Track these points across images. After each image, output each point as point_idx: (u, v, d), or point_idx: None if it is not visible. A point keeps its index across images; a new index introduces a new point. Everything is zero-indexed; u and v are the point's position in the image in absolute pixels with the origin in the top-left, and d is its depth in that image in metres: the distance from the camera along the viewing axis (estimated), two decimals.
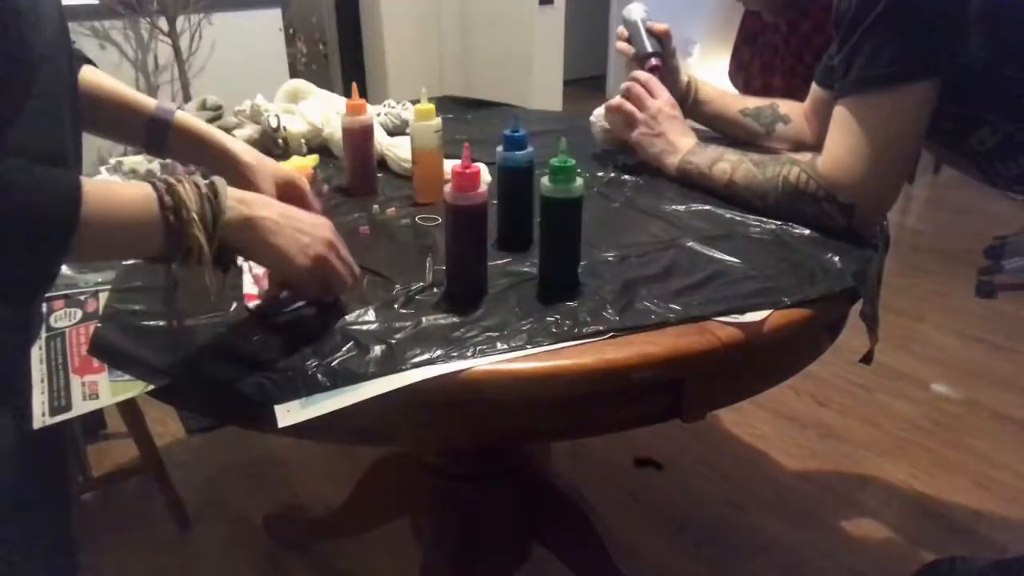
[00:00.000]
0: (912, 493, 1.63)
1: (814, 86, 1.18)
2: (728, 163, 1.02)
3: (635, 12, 1.25)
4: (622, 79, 1.22)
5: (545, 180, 0.75)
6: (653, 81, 1.18)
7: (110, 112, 0.82)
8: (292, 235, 0.68)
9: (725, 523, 1.55)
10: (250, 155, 0.83)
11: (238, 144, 0.84)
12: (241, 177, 0.80)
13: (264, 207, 0.67)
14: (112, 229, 0.59)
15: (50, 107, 0.60)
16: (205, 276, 0.64)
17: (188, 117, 0.85)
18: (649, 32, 1.24)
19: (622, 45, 1.26)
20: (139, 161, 1.09)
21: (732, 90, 1.31)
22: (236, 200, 0.65)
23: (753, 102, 1.27)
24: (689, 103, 1.29)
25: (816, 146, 0.94)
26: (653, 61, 1.21)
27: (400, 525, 1.38)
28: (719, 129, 1.31)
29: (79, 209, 0.55)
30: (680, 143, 1.12)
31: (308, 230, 0.69)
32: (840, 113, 0.90)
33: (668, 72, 1.25)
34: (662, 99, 1.16)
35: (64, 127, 0.64)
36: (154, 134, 0.83)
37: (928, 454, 1.76)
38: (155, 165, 1.08)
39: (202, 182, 0.63)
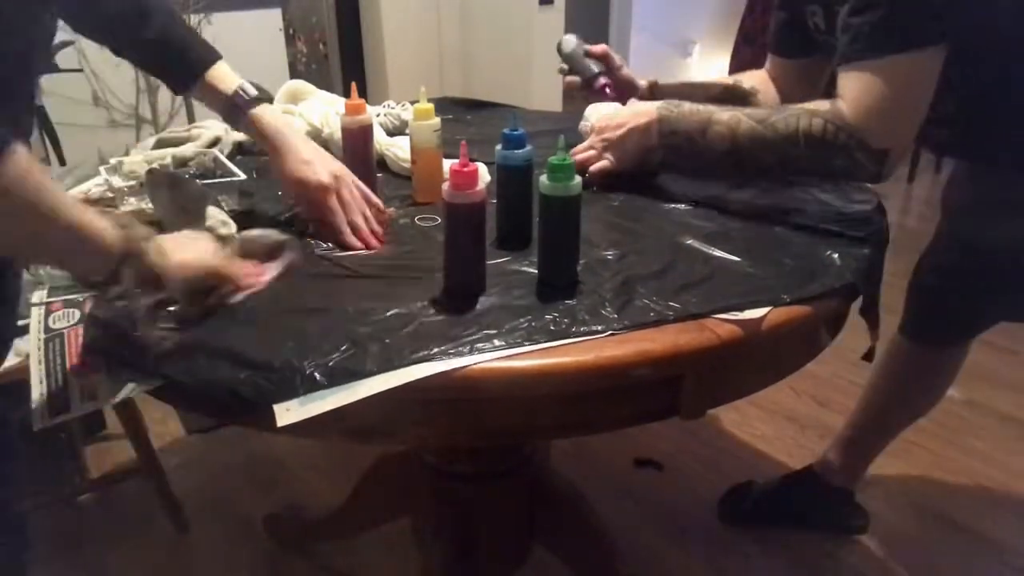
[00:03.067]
0: (912, 493, 1.63)
1: (772, 56, 1.21)
2: (723, 126, 0.96)
3: (569, 44, 1.26)
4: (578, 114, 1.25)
5: (544, 178, 0.75)
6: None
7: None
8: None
9: (725, 523, 1.55)
10: (299, 156, 0.92)
11: (293, 146, 0.93)
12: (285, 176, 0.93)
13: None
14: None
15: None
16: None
17: (262, 111, 0.94)
18: (588, 55, 1.25)
19: (569, 79, 1.26)
20: (138, 162, 1.09)
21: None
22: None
23: (717, 88, 1.24)
24: None
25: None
26: (601, 80, 1.22)
27: (400, 525, 1.37)
28: None
29: None
30: (641, 121, 1.04)
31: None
32: (858, 72, 0.89)
33: (622, 84, 1.25)
34: (589, 123, 1.17)
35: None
36: (232, 115, 0.94)
37: (929, 454, 1.76)
38: (156, 166, 1.08)
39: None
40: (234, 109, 0.93)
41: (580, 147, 1.12)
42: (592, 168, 1.09)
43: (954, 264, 1.18)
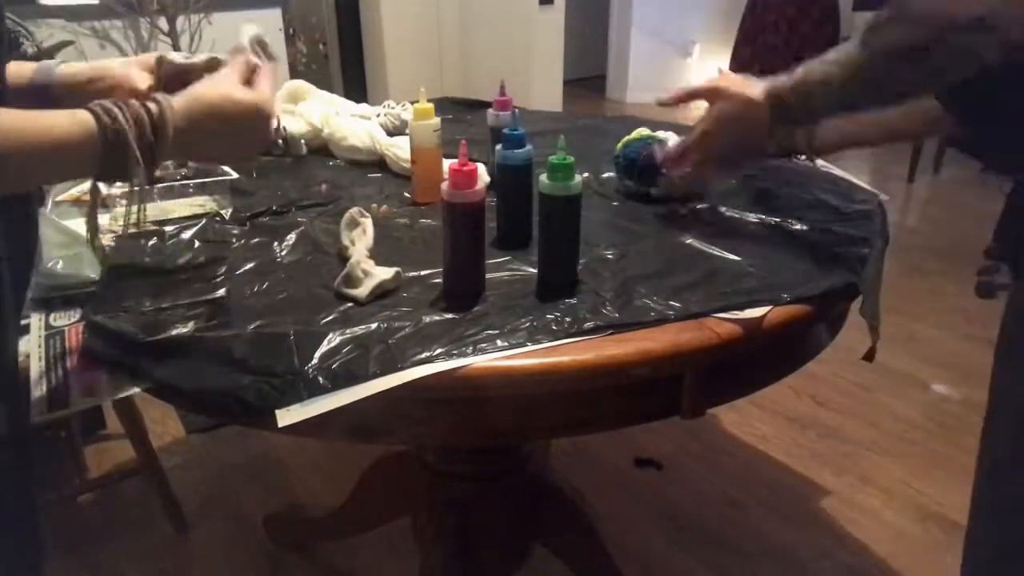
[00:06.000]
0: (912, 493, 1.63)
1: None
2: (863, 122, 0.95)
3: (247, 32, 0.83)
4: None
5: (544, 177, 0.75)
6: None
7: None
8: (233, 144, 0.70)
9: (725, 523, 1.55)
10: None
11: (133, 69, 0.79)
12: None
13: (205, 121, 0.66)
14: (42, 158, 0.58)
15: None
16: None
17: (69, 67, 0.78)
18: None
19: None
20: None
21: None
22: (180, 117, 0.64)
23: None
24: None
25: None
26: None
27: (400, 525, 1.37)
28: None
29: None
30: (756, 132, 0.85)
31: (247, 130, 0.69)
32: None
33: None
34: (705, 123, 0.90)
35: None
36: (37, 98, 0.75)
37: (928, 454, 1.76)
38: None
39: (141, 110, 0.62)
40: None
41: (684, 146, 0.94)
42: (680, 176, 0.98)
43: None
